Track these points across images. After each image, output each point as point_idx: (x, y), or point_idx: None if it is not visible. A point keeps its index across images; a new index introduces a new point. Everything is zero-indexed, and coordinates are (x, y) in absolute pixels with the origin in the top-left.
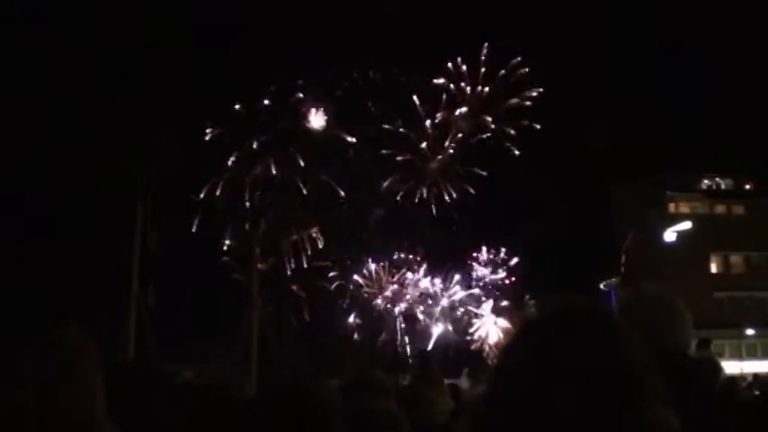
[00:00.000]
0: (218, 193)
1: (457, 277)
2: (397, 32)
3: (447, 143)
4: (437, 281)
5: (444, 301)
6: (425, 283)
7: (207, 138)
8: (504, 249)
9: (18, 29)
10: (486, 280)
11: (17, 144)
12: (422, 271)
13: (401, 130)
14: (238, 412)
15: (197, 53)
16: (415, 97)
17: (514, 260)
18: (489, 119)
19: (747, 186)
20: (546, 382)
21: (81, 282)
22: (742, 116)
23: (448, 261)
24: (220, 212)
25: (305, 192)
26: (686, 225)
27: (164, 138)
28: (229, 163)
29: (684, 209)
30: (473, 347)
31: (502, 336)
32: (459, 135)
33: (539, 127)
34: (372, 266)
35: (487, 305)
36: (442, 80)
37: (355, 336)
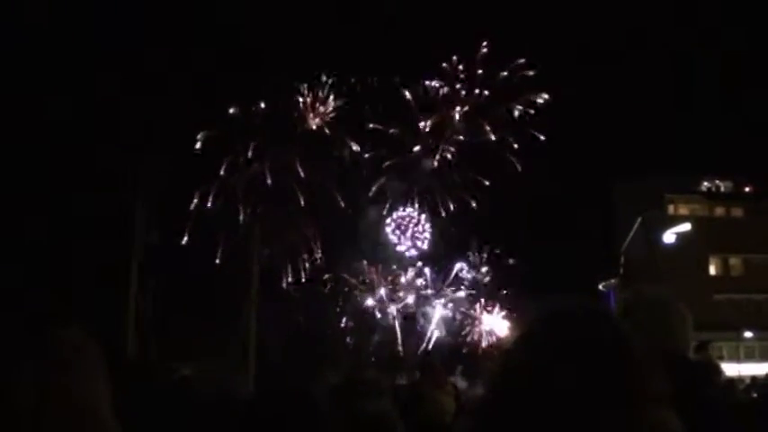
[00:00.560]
0: (209, 204)
1: (451, 277)
2: (394, 28)
3: (439, 152)
4: (429, 279)
5: (440, 301)
6: (419, 281)
7: (198, 145)
8: (500, 249)
9: (20, 30)
10: (484, 280)
11: (17, 142)
12: (414, 272)
13: (391, 131)
14: (238, 412)
15: (191, 55)
16: (408, 94)
17: (511, 260)
18: (488, 128)
19: (747, 189)
20: (546, 384)
21: (80, 280)
22: (742, 119)
23: (442, 261)
24: (215, 218)
25: (302, 200)
26: (685, 227)
27: (162, 136)
28: (222, 171)
29: (684, 211)
30: (467, 346)
31: (497, 336)
32: (456, 138)
33: (543, 138)
34: (365, 266)
35: (482, 305)
36: (435, 82)
37: (348, 339)
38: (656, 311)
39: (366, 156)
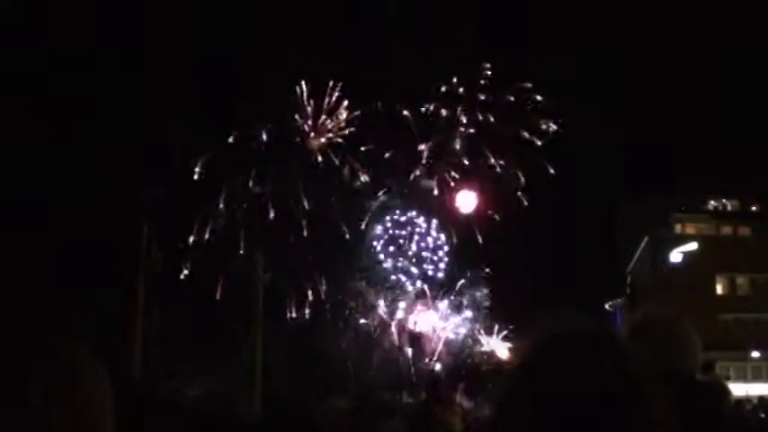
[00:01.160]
0: (206, 235)
1: (453, 296)
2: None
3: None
4: (430, 298)
5: (442, 320)
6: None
7: (196, 174)
8: (503, 269)
9: (20, 51)
10: (485, 302)
11: (21, 160)
12: (415, 291)
13: (386, 155)
14: None
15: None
16: (407, 113)
17: (515, 280)
18: (492, 158)
19: (754, 208)
20: (553, 410)
21: (84, 301)
22: (749, 137)
23: (444, 280)
24: (218, 241)
25: (305, 230)
26: (692, 246)
27: (171, 156)
28: (220, 205)
29: (691, 230)
30: (469, 365)
31: (498, 356)
32: (458, 161)
33: (553, 172)
34: (364, 286)
35: (482, 325)
36: (432, 105)
37: (350, 360)
38: (664, 332)
39: (366, 179)
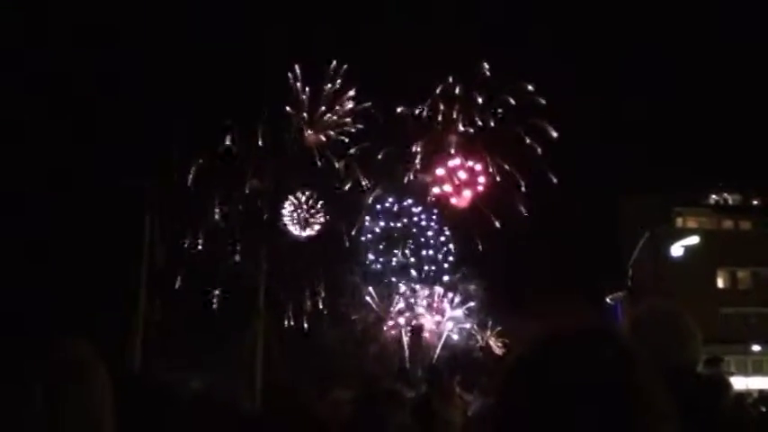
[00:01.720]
0: (199, 246)
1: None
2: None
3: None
4: (428, 294)
5: (440, 314)
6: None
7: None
8: (503, 263)
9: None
10: (481, 298)
11: (25, 153)
12: (415, 286)
13: (379, 156)
14: (245, 429)
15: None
16: (402, 107)
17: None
18: (490, 166)
19: (755, 202)
20: (551, 404)
21: (87, 294)
22: (750, 131)
23: (442, 275)
24: (220, 236)
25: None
26: (693, 240)
27: (173, 153)
28: (216, 215)
29: (692, 223)
30: (466, 357)
31: (495, 350)
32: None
33: (556, 180)
34: (359, 284)
35: (480, 318)
36: (428, 102)
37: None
38: (666, 326)
39: (366, 184)
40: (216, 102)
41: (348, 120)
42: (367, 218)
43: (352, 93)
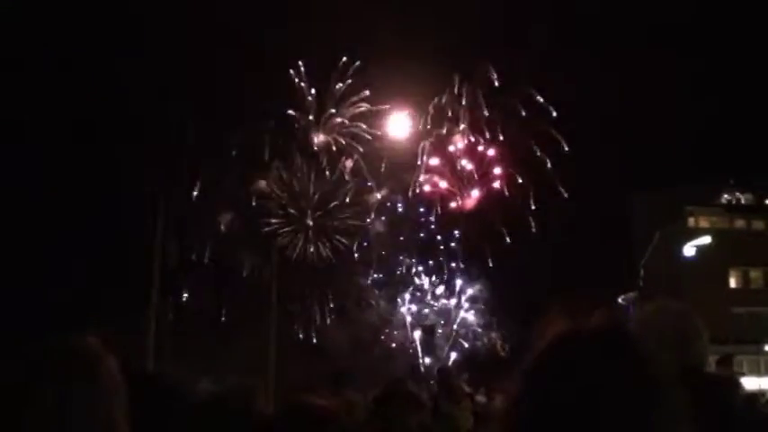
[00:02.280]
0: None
1: (469, 291)
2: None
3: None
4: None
5: (447, 315)
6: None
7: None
8: (514, 262)
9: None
10: (489, 298)
11: (42, 156)
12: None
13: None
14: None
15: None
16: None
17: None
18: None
19: (767, 201)
20: (569, 404)
21: (100, 293)
22: (762, 130)
23: (452, 272)
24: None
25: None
26: (705, 240)
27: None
28: (222, 227)
29: (704, 223)
30: (473, 356)
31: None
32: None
33: (566, 195)
34: (368, 285)
35: (490, 315)
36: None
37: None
38: (672, 326)
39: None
40: (224, 106)
41: (355, 123)
42: (377, 221)
43: (366, 92)
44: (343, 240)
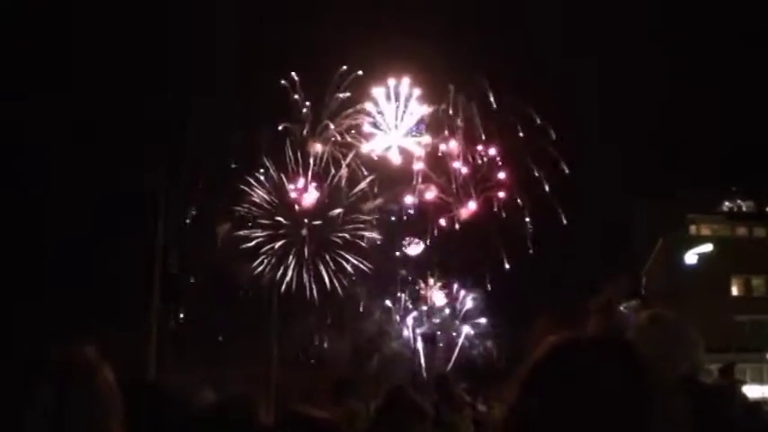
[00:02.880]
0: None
1: (469, 298)
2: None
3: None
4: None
5: (454, 324)
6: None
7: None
8: (514, 269)
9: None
10: (484, 303)
11: (41, 162)
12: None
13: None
14: None
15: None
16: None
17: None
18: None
19: None
20: (566, 411)
21: (101, 300)
22: (764, 137)
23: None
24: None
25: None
26: (707, 247)
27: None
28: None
29: (705, 231)
30: (471, 364)
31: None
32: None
33: (565, 221)
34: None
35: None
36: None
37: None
38: (668, 335)
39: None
40: (222, 110)
41: (352, 131)
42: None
43: (366, 106)
44: (343, 253)
